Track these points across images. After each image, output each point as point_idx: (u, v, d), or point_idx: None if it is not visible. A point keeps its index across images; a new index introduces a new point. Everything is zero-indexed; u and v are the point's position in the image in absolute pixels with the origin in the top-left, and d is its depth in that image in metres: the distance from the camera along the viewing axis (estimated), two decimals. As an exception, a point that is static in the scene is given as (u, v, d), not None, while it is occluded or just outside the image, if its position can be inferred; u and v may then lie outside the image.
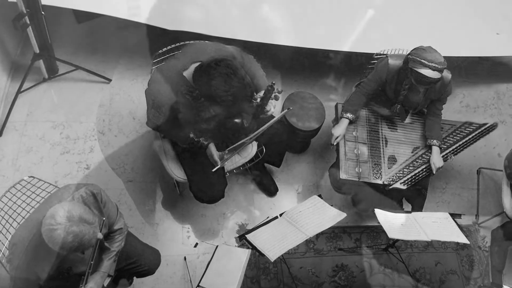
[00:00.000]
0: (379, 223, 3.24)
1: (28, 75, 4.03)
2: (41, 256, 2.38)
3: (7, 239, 2.92)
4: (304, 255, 3.92)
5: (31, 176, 3.27)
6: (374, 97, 3.76)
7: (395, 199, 3.70)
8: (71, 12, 4.43)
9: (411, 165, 3.72)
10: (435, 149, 3.68)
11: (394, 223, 3.27)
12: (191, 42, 3.39)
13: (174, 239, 3.84)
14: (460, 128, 3.91)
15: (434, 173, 3.66)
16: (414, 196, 3.74)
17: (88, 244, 2.30)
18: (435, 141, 3.69)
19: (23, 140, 4.00)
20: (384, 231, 3.18)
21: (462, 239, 3.23)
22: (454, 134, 3.88)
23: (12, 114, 4.03)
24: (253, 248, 3.01)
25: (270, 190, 4.08)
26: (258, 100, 3.00)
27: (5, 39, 4.26)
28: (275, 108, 3.12)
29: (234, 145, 3.16)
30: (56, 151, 4.00)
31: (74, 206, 2.30)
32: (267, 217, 3.35)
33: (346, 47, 4.03)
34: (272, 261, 2.89)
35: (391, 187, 3.61)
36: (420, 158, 3.74)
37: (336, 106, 3.91)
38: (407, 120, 3.85)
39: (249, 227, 3.87)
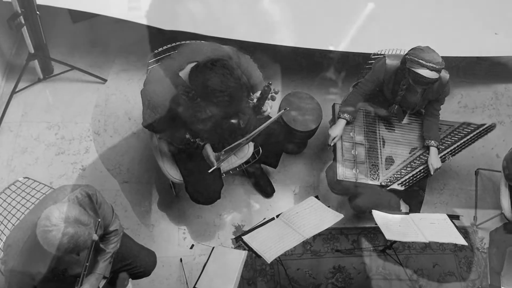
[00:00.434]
0: (376, 224, 3.23)
1: (23, 75, 4.03)
2: (36, 258, 2.37)
3: (1, 240, 2.92)
4: (301, 256, 3.91)
5: (26, 177, 3.28)
6: (372, 98, 3.75)
7: (392, 200, 3.68)
8: (66, 12, 4.41)
9: (408, 166, 3.70)
10: (433, 150, 3.67)
11: (392, 224, 3.26)
12: (187, 42, 3.38)
13: (170, 240, 3.82)
14: (458, 129, 3.90)
15: (432, 174, 3.65)
16: (411, 197, 3.73)
17: (83, 245, 2.29)
18: (433, 141, 3.68)
19: (18, 141, 3.98)
20: (381, 233, 3.17)
21: (460, 240, 3.23)
22: (452, 134, 3.87)
23: (6, 115, 4.02)
24: (250, 249, 3.00)
25: (267, 191, 4.07)
26: (255, 100, 3.01)
27: (-1, 39, 4.25)
28: (271, 108, 3.12)
29: (230, 146, 3.16)
30: (51, 152, 3.98)
31: (69, 208, 2.28)
32: (264, 218, 3.34)
33: (343, 47, 4.02)
34: (269, 262, 2.88)
35: (388, 188, 3.60)
36: (418, 159, 3.73)
37: (333, 107, 3.90)
38: (405, 120, 3.84)
39: (246, 228, 3.86)
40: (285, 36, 3.96)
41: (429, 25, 4.12)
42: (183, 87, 2.92)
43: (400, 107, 3.67)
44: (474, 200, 4.40)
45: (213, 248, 3.17)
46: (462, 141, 3.84)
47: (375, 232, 4.07)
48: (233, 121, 3.15)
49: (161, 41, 3.49)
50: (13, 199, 3.13)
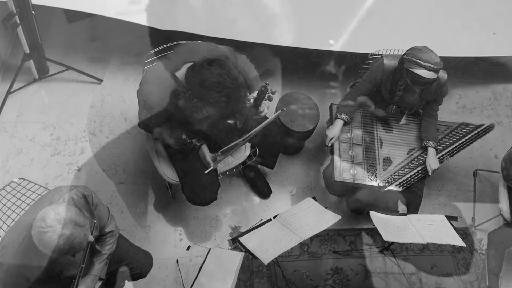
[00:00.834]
0: (374, 225, 3.22)
1: (18, 75, 4.01)
2: (32, 259, 2.36)
3: (-4, 241, 2.89)
4: (298, 258, 3.89)
5: (21, 178, 3.28)
6: (369, 98, 3.74)
7: (390, 201, 3.68)
8: (62, 11, 4.39)
9: (406, 166, 3.69)
10: (431, 151, 3.66)
11: (389, 225, 3.26)
12: (184, 42, 3.37)
13: (166, 241, 3.80)
14: (456, 129, 3.89)
15: (430, 175, 3.64)
16: (409, 198, 3.72)
17: (79, 247, 2.29)
18: (431, 142, 3.67)
19: (13, 142, 3.96)
20: (379, 234, 3.17)
21: (458, 241, 3.23)
22: (450, 135, 3.86)
23: (1, 115, 4.01)
24: (246, 251, 2.99)
25: (264, 192, 4.05)
26: (252, 101, 2.99)
27: (-5, 39, 4.23)
28: (268, 109, 3.11)
29: (227, 147, 3.15)
30: (47, 153, 3.96)
31: (65, 209, 2.28)
32: (261, 220, 3.32)
33: (340, 47, 4.01)
34: (266, 264, 2.87)
35: (386, 189, 3.59)
36: (415, 159, 3.72)
37: (330, 107, 3.89)
38: (403, 121, 3.83)
39: (242, 229, 3.84)
40: (282, 36, 3.96)
41: (427, 25, 4.12)
42: (180, 88, 2.91)
43: (398, 108, 3.67)
44: (472, 201, 4.39)
45: (210, 249, 3.16)
46: (460, 142, 3.83)
47: (373, 233, 4.06)
48: (229, 121, 3.15)
49: (158, 41, 3.49)
50: (8, 200, 3.12)
